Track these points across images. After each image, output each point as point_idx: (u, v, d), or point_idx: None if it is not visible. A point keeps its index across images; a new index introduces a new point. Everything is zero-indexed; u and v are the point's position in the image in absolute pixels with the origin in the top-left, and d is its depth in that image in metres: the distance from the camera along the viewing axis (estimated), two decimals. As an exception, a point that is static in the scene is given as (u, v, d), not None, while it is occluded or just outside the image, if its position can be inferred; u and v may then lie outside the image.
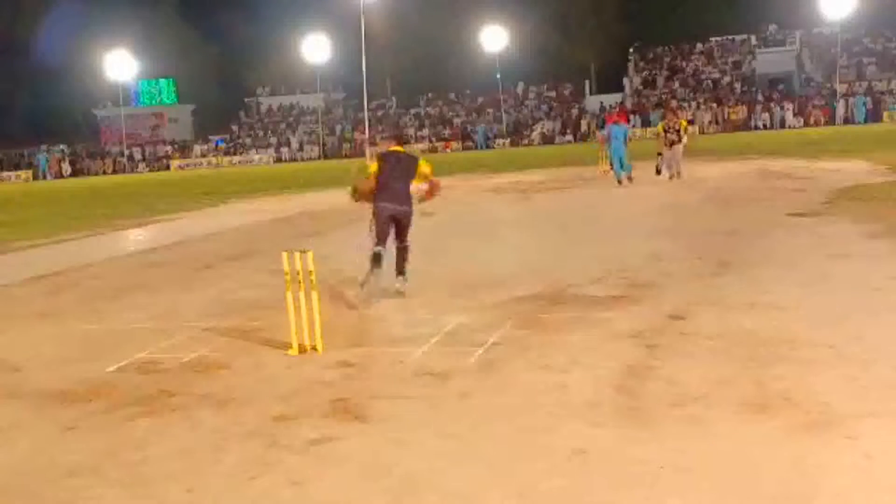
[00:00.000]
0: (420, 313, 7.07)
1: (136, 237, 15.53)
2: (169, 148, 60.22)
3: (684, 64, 57.10)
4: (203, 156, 58.32)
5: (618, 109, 45.44)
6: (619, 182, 18.14)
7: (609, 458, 3.85)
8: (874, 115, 46.31)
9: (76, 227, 17.12)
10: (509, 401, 4.74)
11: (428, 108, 59.51)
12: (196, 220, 17.78)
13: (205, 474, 4.00)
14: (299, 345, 5.96)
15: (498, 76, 54.60)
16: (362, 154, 42.50)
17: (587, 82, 58.27)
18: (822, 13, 49.56)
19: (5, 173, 56.28)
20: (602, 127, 36.01)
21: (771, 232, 10.27)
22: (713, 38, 57.47)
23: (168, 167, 56.54)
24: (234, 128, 61.75)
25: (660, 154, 18.20)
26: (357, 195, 8.17)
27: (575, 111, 55.47)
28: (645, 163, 18.70)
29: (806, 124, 47.30)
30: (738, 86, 53.54)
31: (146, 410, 4.96)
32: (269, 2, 59.45)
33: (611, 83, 58.48)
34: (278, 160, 55.73)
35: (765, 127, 48.27)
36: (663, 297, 7.08)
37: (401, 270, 7.82)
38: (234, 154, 57.75)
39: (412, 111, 59.41)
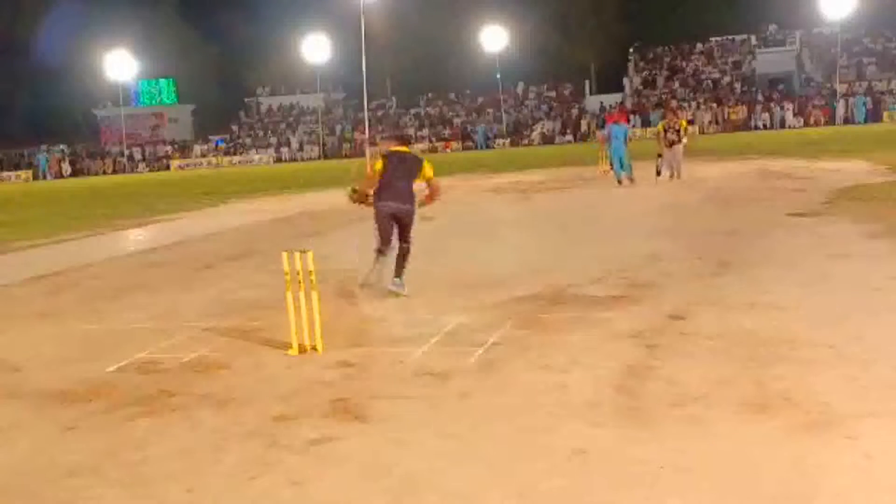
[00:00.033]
0: (420, 313, 7.07)
1: (136, 237, 15.53)
2: (169, 148, 60.23)
3: (684, 64, 57.11)
4: (203, 156, 58.32)
5: (618, 109, 45.49)
6: (619, 182, 18.14)
7: (609, 458, 3.85)
8: (874, 115, 46.32)
9: (76, 227, 17.12)
10: (509, 401, 4.74)
11: (428, 108, 59.51)
12: (196, 220, 17.78)
13: (205, 474, 4.00)
14: (299, 345, 5.96)
15: (498, 76, 54.61)
16: (362, 154, 42.46)
17: (587, 82, 58.28)
18: (822, 13, 49.56)
19: (5, 173, 56.29)
20: (602, 127, 36.04)
21: (771, 232, 10.27)
22: (713, 38, 57.48)
23: (168, 167, 56.54)
24: (234, 128, 61.76)
25: (660, 156, 18.16)
26: (356, 196, 8.18)
27: (575, 111, 55.48)
28: (645, 163, 18.70)
29: (806, 124, 47.30)
30: (738, 86, 53.55)
31: (146, 410, 4.96)
32: (269, 2, 59.45)
33: (611, 83, 58.50)
34: (278, 160, 55.73)
35: (765, 127, 48.28)
36: (663, 297, 7.08)
37: (398, 273, 7.80)
38: (234, 154, 57.75)
39: (412, 111, 59.41)
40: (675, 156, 18.01)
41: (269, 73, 62.69)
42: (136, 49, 57.16)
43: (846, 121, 46.63)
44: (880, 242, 8.95)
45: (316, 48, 54.86)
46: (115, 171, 56.44)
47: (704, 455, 3.82)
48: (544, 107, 57.16)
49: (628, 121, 29.18)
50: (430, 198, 8.11)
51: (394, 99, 61.52)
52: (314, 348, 5.94)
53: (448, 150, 51.61)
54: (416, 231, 8.08)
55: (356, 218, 14.97)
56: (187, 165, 56.09)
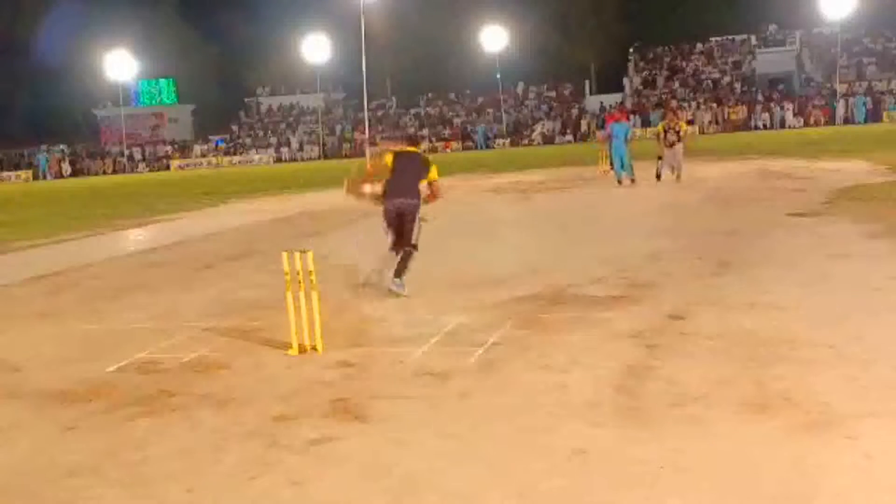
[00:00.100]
0: (420, 313, 7.07)
1: (136, 237, 15.53)
2: (169, 148, 60.23)
3: (684, 64, 57.12)
4: (203, 156, 58.33)
5: (618, 109, 45.47)
6: (619, 182, 18.14)
7: (609, 458, 3.85)
8: (874, 115, 46.33)
9: (76, 227, 17.12)
10: (509, 401, 4.74)
11: (428, 108, 59.51)
12: (196, 220, 17.78)
13: (205, 474, 4.00)
14: (299, 345, 5.96)
15: (498, 76, 54.62)
16: (362, 154, 42.48)
17: (587, 82, 58.29)
18: (822, 13, 49.58)
19: (5, 173, 56.29)
20: (602, 127, 36.04)
21: (771, 232, 10.27)
22: (713, 38, 57.49)
23: (168, 167, 56.55)
24: (234, 128, 61.76)
25: (660, 158, 18.13)
26: (352, 186, 8.32)
27: (575, 111, 55.48)
28: (645, 163, 18.70)
29: (806, 124, 47.31)
30: (738, 86, 53.56)
31: (146, 410, 4.96)
32: (269, 2, 59.46)
33: (611, 83, 58.51)
34: (278, 160, 55.74)
35: (765, 127, 48.29)
36: (663, 297, 7.08)
37: (399, 273, 7.81)
38: (234, 154, 57.76)
39: (412, 111, 59.42)
40: (676, 156, 18.00)
41: (269, 73, 62.70)
42: (136, 49, 57.17)
43: (846, 121, 46.64)
44: (880, 242, 8.95)
45: (316, 48, 54.86)
46: (115, 171, 56.45)
47: (704, 455, 3.82)
48: (544, 107, 57.16)
49: (629, 119, 29.12)
50: (432, 196, 8.18)
51: (394, 99, 61.53)
52: (314, 348, 5.94)
53: (448, 150, 51.60)
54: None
55: (356, 218, 14.98)
56: (187, 165, 56.10)
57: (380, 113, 58.42)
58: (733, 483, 3.55)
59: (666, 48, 58.12)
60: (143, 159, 59.10)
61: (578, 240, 11.14)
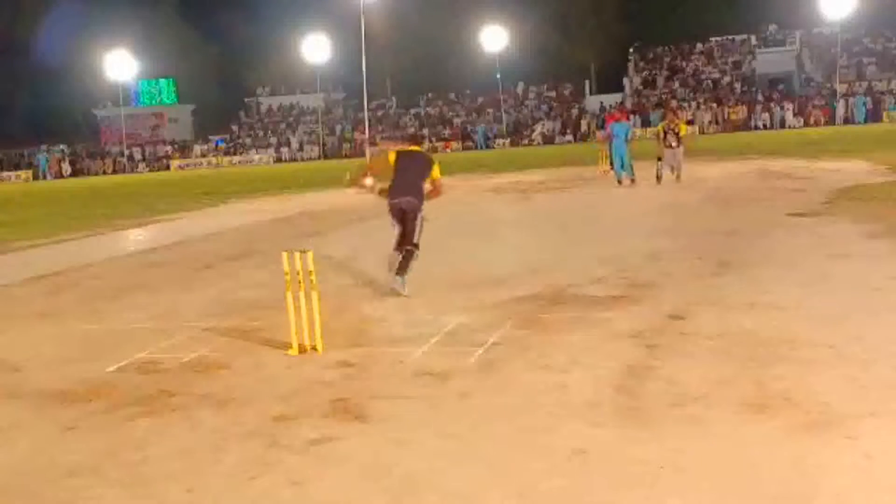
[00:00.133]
0: (420, 313, 7.07)
1: (136, 237, 15.53)
2: (169, 148, 60.24)
3: (684, 64, 57.13)
4: (203, 156, 58.33)
5: (618, 109, 45.47)
6: (619, 182, 18.14)
7: (609, 458, 3.85)
8: (874, 115, 46.33)
9: (76, 227, 17.12)
10: (509, 401, 4.74)
11: (428, 108, 59.52)
12: (196, 220, 17.78)
13: (205, 474, 4.00)
14: (299, 345, 5.96)
15: (498, 76, 54.63)
16: (362, 154, 42.51)
17: (587, 82, 58.30)
18: (822, 13, 49.59)
19: (5, 173, 56.30)
20: (602, 127, 36.01)
21: (771, 232, 10.27)
22: (713, 38, 57.50)
23: (168, 167, 56.56)
24: (234, 128, 61.77)
25: (659, 159, 18.11)
26: (352, 180, 8.45)
27: (575, 111, 55.49)
28: (645, 163, 18.69)
29: (806, 124, 47.32)
30: (738, 86, 53.57)
31: (146, 410, 4.96)
32: (269, 2, 59.47)
33: (611, 83, 58.52)
34: (278, 160, 55.74)
35: (765, 127, 48.30)
36: (663, 297, 7.08)
37: (401, 272, 7.83)
38: (234, 154, 57.77)
39: (412, 111, 59.42)
40: (676, 156, 17.99)
41: (269, 73, 62.71)
42: (136, 49, 57.19)
43: (846, 121, 46.65)
44: (880, 242, 8.94)
45: (316, 48, 54.87)
46: (115, 171, 56.46)
47: (704, 455, 3.82)
48: (544, 107, 57.17)
49: (629, 119, 29.12)
50: (434, 193, 8.23)
51: (394, 99, 61.54)
52: (314, 348, 5.94)
53: (448, 150, 51.59)
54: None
55: (356, 218, 14.98)
56: (187, 165, 56.11)
57: (380, 113, 58.43)
58: (733, 483, 3.55)
59: (666, 48, 58.12)
60: (143, 159, 59.11)
61: (578, 240, 11.13)
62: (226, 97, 63.68)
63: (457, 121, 57.55)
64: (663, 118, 21.55)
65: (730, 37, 57.34)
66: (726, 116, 50.28)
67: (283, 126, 60.79)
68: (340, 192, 20.84)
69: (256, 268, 10.16)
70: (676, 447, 3.90)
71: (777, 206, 12.70)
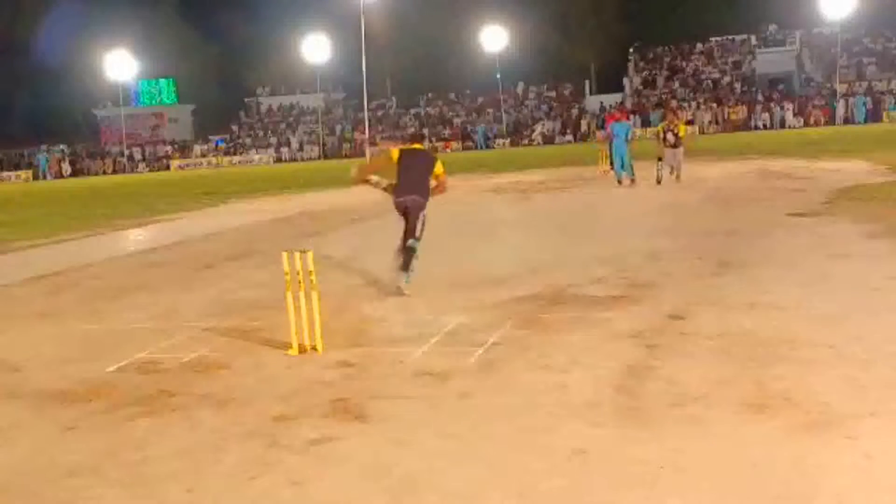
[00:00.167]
0: (420, 313, 7.07)
1: (136, 237, 15.53)
2: (169, 148, 60.24)
3: (684, 64, 57.12)
4: (203, 156, 58.34)
5: (618, 109, 45.46)
6: (619, 182, 18.14)
7: (609, 458, 3.85)
8: (874, 115, 46.34)
9: (76, 227, 17.12)
10: (509, 401, 4.74)
11: (428, 108, 59.52)
12: (196, 220, 17.77)
13: (205, 474, 4.00)
14: (299, 345, 5.96)
15: (498, 76, 54.64)
16: (362, 154, 42.51)
17: (587, 82, 58.30)
18: (822, 13, 49.61)
19: (5, 173, 56.30)
20: (602, 127, 36.01)
21: (771, 232, 10.27)
22: (713, 38, 57.51)
23: (168, 167, 56.56)
24: (234, 128, 61.77)
25: (659, 159, 18.09)
26: (356, 176, 8.53)
27: (575, 111, 55.49)
28: (645, 163, 18.69)
29: (806, 124, 47.33)
30: (738, 86, 53.57)
31: (146, 410, 4.96)
32: (269, 2, 59.47)
33: (611, 83, 58.52)
34: (278, 160, 55.75)
35: (765, 127, 48.30)
36: (663, 297, 7.08)
37: (405, 267, 7.85)
38: (234, 154, 57.77)
39: (412, 111, 59.42)
40: (676, 156, 17.98)
41: (269, 73, 62.71)
42: (136, 49, 57.20)
43: (846, 121, 46.65)
44: (880, 242, 8.94)
45: (316, 48, 54.88)
46: (115, 171, 56.47)
47: (704, 455, 3.82)
48: (544, 107, 57.17)
49: (629, 119, 29.12)
50: (439, 189, 8.29)
51: (394, 99, 61.54)
52: (314, 348, 5.94)
53: (448, 150, 51.52)
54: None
55: (356, 218, 14.98)
56: (187, 165, 56.11)
57: (380, 113, 58.44)
58: (733, 483, 3.55)
59: (666, 48, 58.12)
60: (143, 159, 59.11)
61: (578, 240, 11.13)
62: (226, 97, 63.69)
63: (457, 121, 57.56)
64: (663, 118, 21.55)
65: (730, 37, 57.35)
66: (726, 116, 50.28)
67: (283, 126, 60.79)
68: (340, 191, 20.86)
69: (256, 268, 10.16)
70: (676, 447, 3.90)
71: (777, 206, 12.70)
